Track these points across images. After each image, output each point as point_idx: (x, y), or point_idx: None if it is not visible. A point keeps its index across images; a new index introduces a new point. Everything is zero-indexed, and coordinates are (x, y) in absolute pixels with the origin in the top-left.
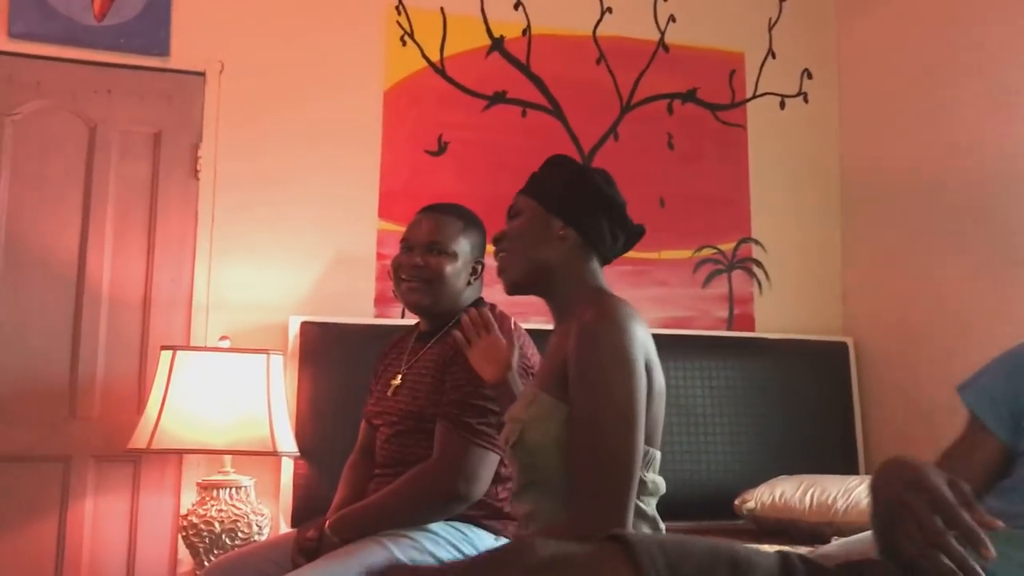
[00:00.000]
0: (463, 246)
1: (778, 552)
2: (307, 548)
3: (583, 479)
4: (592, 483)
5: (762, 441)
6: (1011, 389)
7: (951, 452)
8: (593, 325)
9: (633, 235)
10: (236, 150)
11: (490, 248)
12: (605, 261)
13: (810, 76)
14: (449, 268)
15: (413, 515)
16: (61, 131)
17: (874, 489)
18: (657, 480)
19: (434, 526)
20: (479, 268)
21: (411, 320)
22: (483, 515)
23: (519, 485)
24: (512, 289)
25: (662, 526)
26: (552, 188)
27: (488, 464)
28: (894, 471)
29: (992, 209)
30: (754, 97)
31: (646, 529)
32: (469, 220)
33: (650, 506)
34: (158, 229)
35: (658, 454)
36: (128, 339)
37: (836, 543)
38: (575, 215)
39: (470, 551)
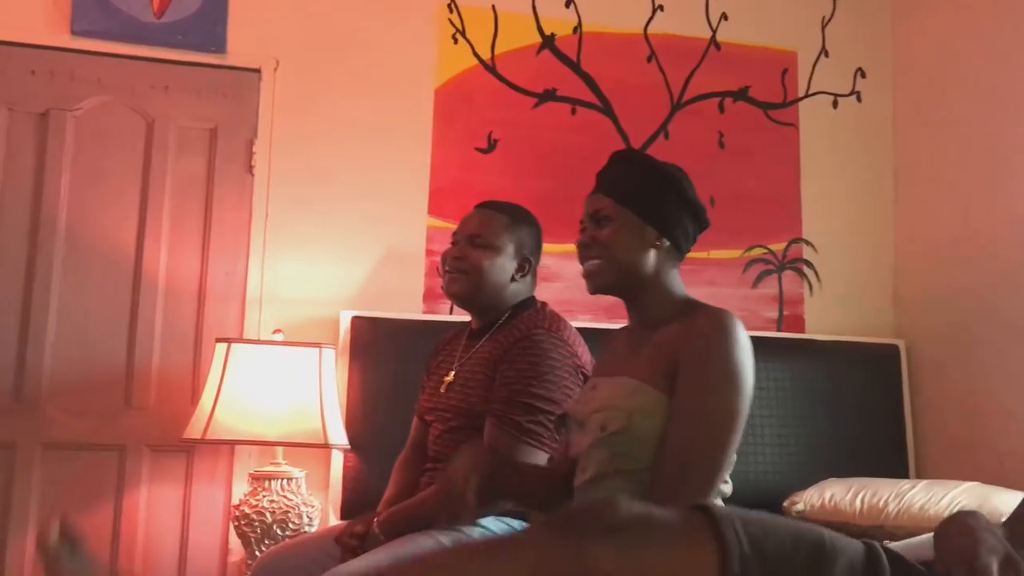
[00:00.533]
0: (507, 241)
1: (863, 541)
2: (349, 547)
3: (675, 470)
4: (683, 475)
5: (811, 443)
6: None
7: None
8: (719, 336)
9: (705, 225)
10: (290, 146)
11: (561, 248)
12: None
13: (864, 75)
14: (487, 261)
15: None
16: (120, 126)
17: (937, 547)
18: (724, 488)
19: (485, 520)
20: (527, 265)
21: (460, 316)
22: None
23: (594, 473)
24: (598, 292)
25: None
26: (646, 196)
27: (535, 460)
28: (955, 530)
29: None
30: (806, 96)
31: None
32: (518, 217)
33: None
34: (213, 223)
35: (733, 459)
36: (183, 331)
37: (899, 544)
38: (670, 225)
39: None
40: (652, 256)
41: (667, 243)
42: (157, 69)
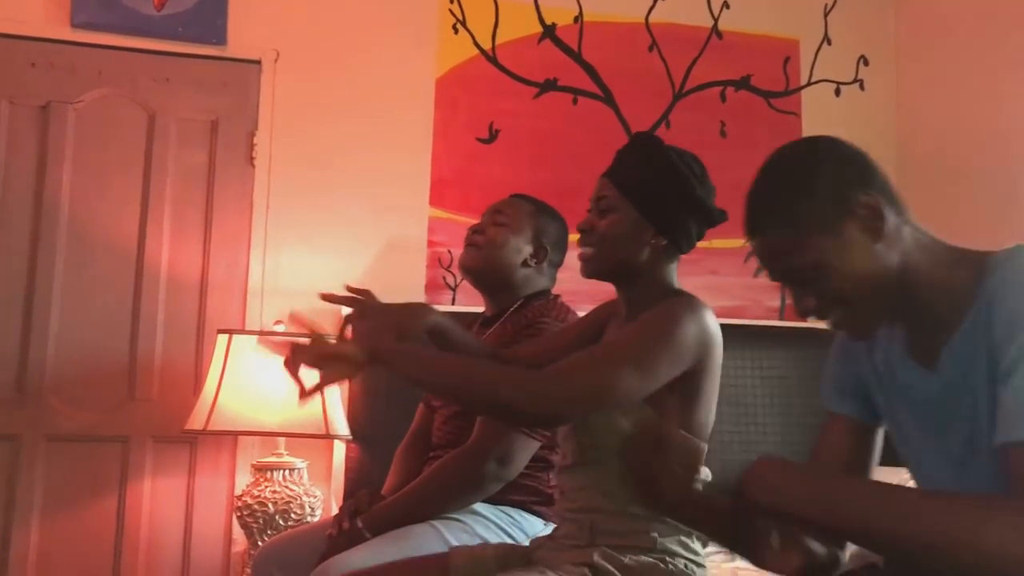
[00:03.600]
0: (527, 225)
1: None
2: (336, 545)
3: (567, 363)
4: (571, 368)
5: (813, 432)
6: (843, 370)
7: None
8: (672, 306)
9: (716, 223)
10: (291, 137)
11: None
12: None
13: (867, 63)
14: (501, 237)
15: (446, 502)
16: (121, 119)
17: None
18: (703, 471)
19: (484, 510)
20: (544, 253)
21: (463, 308)
22: (534, 501)
23: (572, 461)
24: (590, 278)
25: None
26: (650, 192)
27: (526, 449)
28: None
29: None
30: (809, 84)
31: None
32: (544, 208)
33: None
34: (215, 215)
35: (705, 447)
36: (185, 322)
37: None
38: (671, 225)
39: (519, 536)
40: (647, 253)
41: (664, 242)
42: (158, 61)
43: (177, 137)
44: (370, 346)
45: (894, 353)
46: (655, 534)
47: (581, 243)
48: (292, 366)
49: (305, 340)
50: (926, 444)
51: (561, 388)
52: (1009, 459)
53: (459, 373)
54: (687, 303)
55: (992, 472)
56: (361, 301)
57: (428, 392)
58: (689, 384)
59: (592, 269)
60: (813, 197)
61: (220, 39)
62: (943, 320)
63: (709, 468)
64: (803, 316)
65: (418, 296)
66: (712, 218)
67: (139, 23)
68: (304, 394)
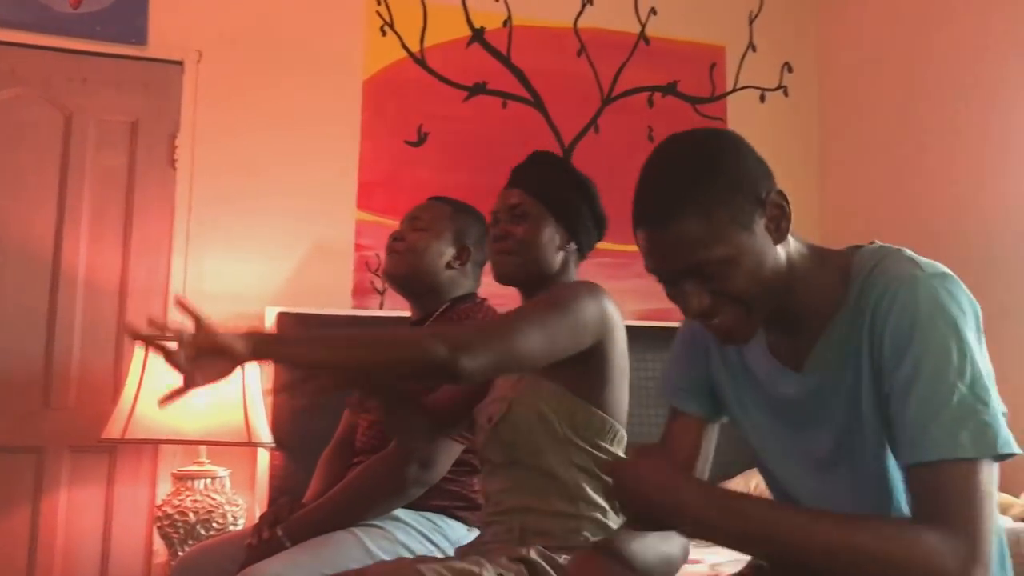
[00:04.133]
0: (446, 227)
1: None
2: (255, 554)
3: (477, 323)
4: (481, 328)
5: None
6: (690, 368)
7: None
8: (567, 286)
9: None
10: (214, 140)
11: None
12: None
13: (790, 70)
14: (423, 242)
15: (368, 507)
16: (36, 119)
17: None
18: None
19: (406, 516)
20: (467, 254)
21: (390, 312)
22: (457, 506)
23: (496, 463)
24: (503, 283)
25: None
26: (563, 200)
27: (448, 452)
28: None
29: (967, 201)
30: (734, 90)
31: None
32: (463, 208)
33: None
34: (135, 218)
35: (623, 432)
36: (104, 329)
37: None
38: (580, 232)
39: (442, 542)
40: (559, 257)
41: (574, 247)
42: (74, 60)
43: (96, 139)
44: (255, 337)
45: (755, 352)
46: (586, 533)
47: (495, 249)
48: (174, 359)
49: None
50: (786, 444)
51: (471, 340)
52: (915, 479)
53: (365, 339)
54: (587, 285)
55: (858, 477)
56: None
57: (328, 371)
58: (597, 363)
59: (507, 274)
60: (730, 188)
61: (140, 39)
62: (809, 323)
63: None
64: (691, 315)
65: (345, 300)
66: (604, 227)
67: (54, 21)
68: (168, 397)
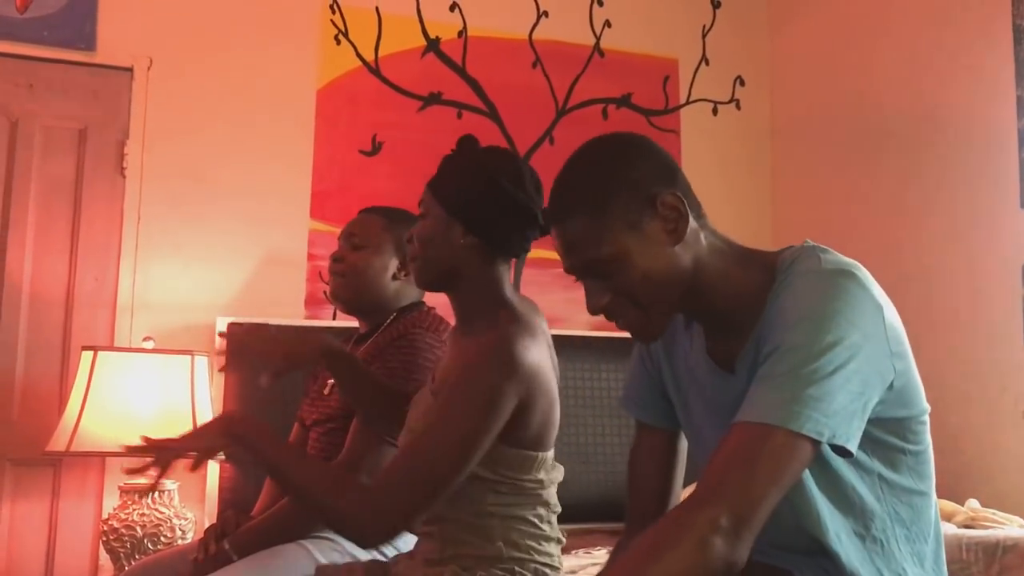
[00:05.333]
0: (385, 240)
1: None
2: (201, 569)
3: (395, 473)
4: (399, 481)
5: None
6: (646, 380)
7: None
8: (485, 351)
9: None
10: (164, 147)
11: None
12: (517, 258)
13: (743, 83)
14: (363, 261)
15: (315, 520)
16: None
17: None
18: (550, 476)
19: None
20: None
21: (344, 322)
22: None
23: None
24: (423, 288)
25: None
26: (452, 189)
27: None
28: None
29: (917, 212)
30: (688, 103)
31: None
32: (397, 217)
33: (551, 495)
34: (82, 227)
35: (550, 454)
36: (49, 339)
37: None
38: (478, 221)
39: (390, 551)
40: (462, 254)
41: (475, 240)
42: (20, 65)
43: (42, 145)
44: (228, 429)
45: (695, 353)
46: (500, 543)
47: (408, 254)
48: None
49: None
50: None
51: (395, 506)
52: (728, 435)
53: (301, 476)
54: (498, 347)
55: None
56: (256, 329)
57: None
58: (518, 414)
59: (417, 277)
60: (620, 189)
61: (89, 44)
62: (737, 325)
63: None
64: (594, 313)
65: (297, 311)
66: (532, 217)
67: (0, 26)
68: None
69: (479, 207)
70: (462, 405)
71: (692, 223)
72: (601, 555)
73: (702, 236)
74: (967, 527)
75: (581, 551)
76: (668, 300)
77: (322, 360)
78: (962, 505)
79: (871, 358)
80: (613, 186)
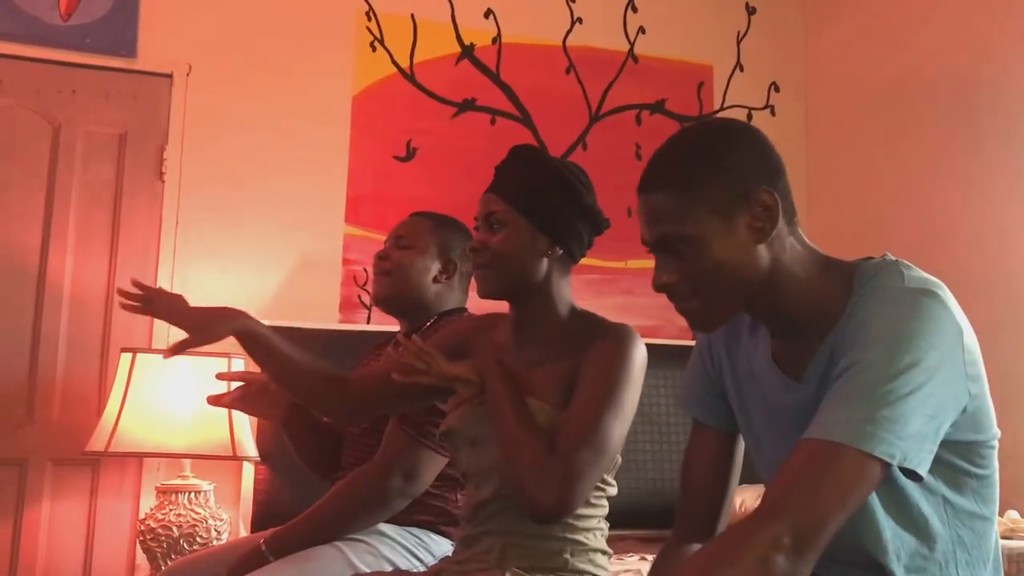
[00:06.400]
0: (430, 242)
1: None
2: (235, 570)
3: (571, 452)
4: (578, 458)
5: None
6: (704, 379)
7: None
8: (621, 347)
9: (602, 229)
10: (202, 153)
11: None
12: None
13: (777, 89)
14: (408, 260)
15: (351, 521)
16: (24, 131)
17: None
18: (613, 485)
19: (390, 531)
20: (453, 268)
21: (377, 326)
22: (441, 521)
23: (491, 494)
24: (486, 298)
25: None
26: (542, 203)
27: (432, 464)
28: None
29: (955, 218)
30: (721, 109)
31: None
32: (444, 222)
33: (603, 506)
34: (122, 231)
35: (619, 458)
36: (89, 341)
37: None
38: (564, 234)
39: (427, 557)
40: (544, 265)
41: (560, 252)
42: (63, 72)
43: (83, 150)
44: (484, 370)
45: (759, 357)
46: (567, 555)
47: (474, 263)
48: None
49: None
50: (779, 451)
51: (571, 478)
52: (796, 451)
53: (525, 434)
54: (630, 336)
55: None
56: (163, 293)
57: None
58: None
59: (487, 289)
60: (715, 174)
61: (130, 51)
62: (809, 334)
63: (622, 484)
64: (657, 289)
65: (332, 315)
66: (599, 224)
67: (44, 32)
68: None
69: (567, 219)
70: (609, 381)
71: (781, 226)
72: (633, 561)
73: (788, 242)
74: (1006, 538)
75: (612, 557)
76: (733, 296)
77: (238, 341)
78: (1001, 516)
79: (947, 381)
80: (710, 169)
